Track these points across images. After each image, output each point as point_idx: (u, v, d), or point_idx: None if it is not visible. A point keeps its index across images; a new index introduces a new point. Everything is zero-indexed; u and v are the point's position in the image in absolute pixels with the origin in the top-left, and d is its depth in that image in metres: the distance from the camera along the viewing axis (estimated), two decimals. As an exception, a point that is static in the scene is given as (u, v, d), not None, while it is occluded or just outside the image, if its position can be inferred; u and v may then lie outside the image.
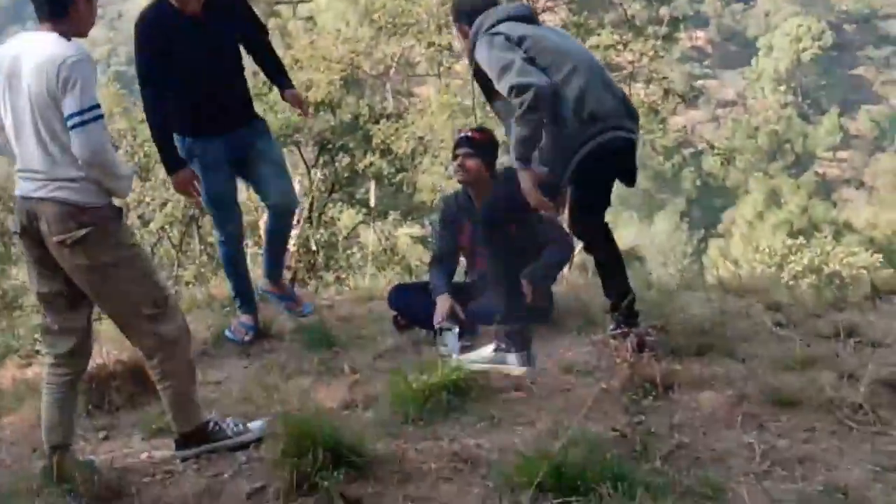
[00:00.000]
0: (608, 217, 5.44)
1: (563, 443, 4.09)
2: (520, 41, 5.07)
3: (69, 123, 3.88)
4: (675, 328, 5.37)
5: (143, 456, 4.58)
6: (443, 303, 5.82)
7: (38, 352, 6.65)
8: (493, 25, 5.20)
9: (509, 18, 5.26)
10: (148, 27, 5.57)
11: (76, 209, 3.95)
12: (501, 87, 4.96)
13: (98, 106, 3.93)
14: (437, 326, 5.61)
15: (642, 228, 41.74)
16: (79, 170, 3.94)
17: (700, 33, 72.92)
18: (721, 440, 4.26)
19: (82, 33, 4.06)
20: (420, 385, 4.88)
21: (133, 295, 4.10)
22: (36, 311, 13.17)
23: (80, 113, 3.86)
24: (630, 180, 5.37)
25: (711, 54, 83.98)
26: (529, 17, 5.40)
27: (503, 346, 5.11)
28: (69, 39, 3.97)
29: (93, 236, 3.97)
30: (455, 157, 6.00)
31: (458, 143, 6.04)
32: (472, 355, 5.02)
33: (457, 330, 5.47)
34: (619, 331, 5.11)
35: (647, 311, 5.61)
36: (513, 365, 5.04)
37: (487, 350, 5.08)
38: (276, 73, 6.20)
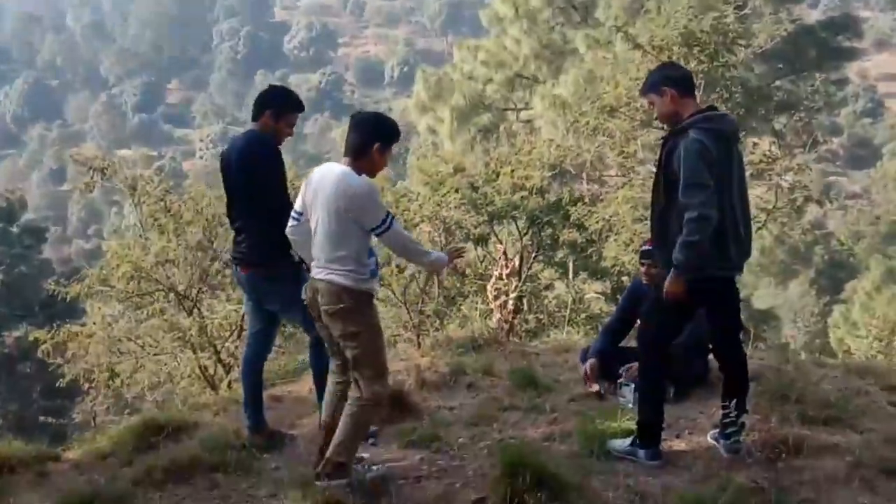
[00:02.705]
0: None
1: (713, 488, 4.07)
2: (713, 164, 4.23)
3: (375, 233, 4.15)
4: (806, 399, 5.19)
5: (403, 462, 4.73)
6: (590, 366, 5.75)
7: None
8: (707, 130, 4.27)
9: (719, 133, 4.30)
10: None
11: (340, 289, 4.18)
12: (684, 199, 4.19)
13: (388, 213, 4.17)
14: (618, 381, 5.60)
15: (777, 292, 39.73)
16: (344, 263, 4.15)
17: (835, 139, 69.16)
18: (839, 499, 4.11)
19: (370, 175, 4.24)
20: (603, 428, 4.92)
21: (365, 356, 4.25)
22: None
23: (380, 225, 4.14)
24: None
25: (843, 156, 79.42)
26: (734, 138, 4.43)
27: (637, 442, 4.58)
28: (359, 174, 4.17)
29: (347, 310, 4.19)
30: (642, 264, 5.73)
31: (643, 255, 5.69)
32: (617, 443, 4.67)
33: (633, 386, 5.44)
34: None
35: (784, 383, 5.43)
36: (641, 459, 4.55)
37: (626, 442, 4.65)
38: None
